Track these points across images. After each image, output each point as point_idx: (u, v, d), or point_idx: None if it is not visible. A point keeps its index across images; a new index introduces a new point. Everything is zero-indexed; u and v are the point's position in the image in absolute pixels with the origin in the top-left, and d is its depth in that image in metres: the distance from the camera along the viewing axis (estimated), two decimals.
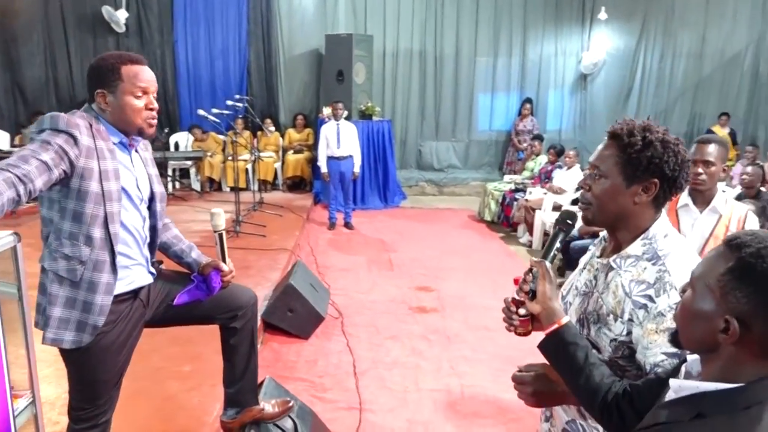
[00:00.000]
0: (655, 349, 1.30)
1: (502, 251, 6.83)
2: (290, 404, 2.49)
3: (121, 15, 8.87)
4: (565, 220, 1.59)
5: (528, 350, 4.51)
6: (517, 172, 9.01)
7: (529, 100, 9.73)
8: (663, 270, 1.35)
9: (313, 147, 9.31)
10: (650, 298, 1.34)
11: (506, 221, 7.66)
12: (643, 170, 1.38)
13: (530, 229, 7.04)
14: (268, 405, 2.39)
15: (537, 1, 9.92)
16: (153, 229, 2.04)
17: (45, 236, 1.85)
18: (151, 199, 2.02)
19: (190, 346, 3.66)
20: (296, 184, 9.42)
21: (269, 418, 2.37)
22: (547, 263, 1.49)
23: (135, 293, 1.99)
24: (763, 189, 5.33)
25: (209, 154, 8.84)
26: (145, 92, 1.89)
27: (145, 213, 2.00)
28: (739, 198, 4.98)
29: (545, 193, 7.07)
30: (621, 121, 1.46)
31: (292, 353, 4.08)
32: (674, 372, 1.17)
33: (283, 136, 9.51)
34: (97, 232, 1.80)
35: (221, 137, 8.86)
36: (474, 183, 10.06)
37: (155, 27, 9.34)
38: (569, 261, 5.49)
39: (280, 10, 9.41)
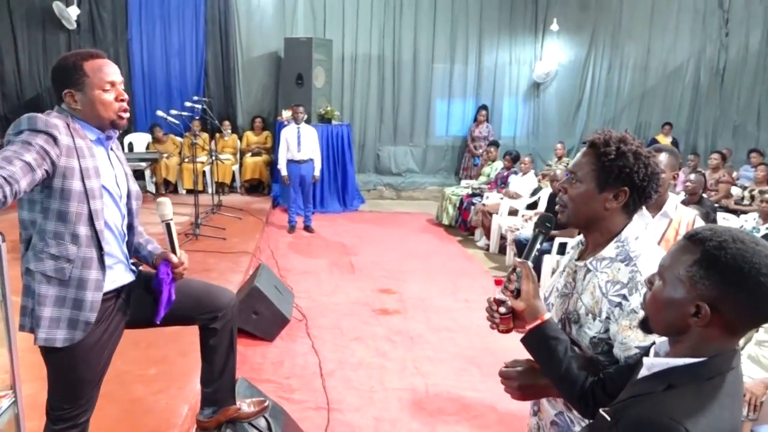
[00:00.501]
0: (629, 343, 1.42)
1: (461, 254, 6.99)
2: (266, 404, 2.52)
3: (73, 12, 8.61)
4: (543, 223, 1.69)
5: (487, 350, 4.68)
6: (473, 177, 9.21)
7: (484, 107, 9.97)
8: (635, 270, 1.47)
9: (272, 150, 9.28)
10: (624, 297, 1.46)
11: (464, 225, 7.84)
12: (615, 178, 1.50)
13: (487, 232, 7.23)
14: (244, 404, 2.42)
15: (492, 10, 10.18)
16: (130, 227, 2.05)
17: (26, 239, 1.83)
18: (128, 196, 2.03)
19: (153, 350, 3.63)
20: (254, 187, 9.35)
21: (245, 418, 2.40)
22: (530, 264, 1.60)
23: (118, 292, 1.99)
24: (704, 195, 5.65)
25: (165, 155, 8.68)
26: (113, 84, 1.90)
27: (124, 210, 2.01)
28: (684, 204, 5.27)
29: (501, 198, 7.28)
30: (598, 132, 1.58)
31: (258, 355, 4.09)
32: (643, 355, 1.29)
33: (240, 138, 9.44)
34: (83, 230, 1.81)
35: (179, 139, 8.72)
36: (431, 188, 10.23)
37: (108, 24, 9.10)
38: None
39: (238, 11, 9.34)
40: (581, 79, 10.57)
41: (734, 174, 8.32)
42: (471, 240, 7.62)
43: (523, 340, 1.58)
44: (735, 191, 7.61)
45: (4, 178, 1.54)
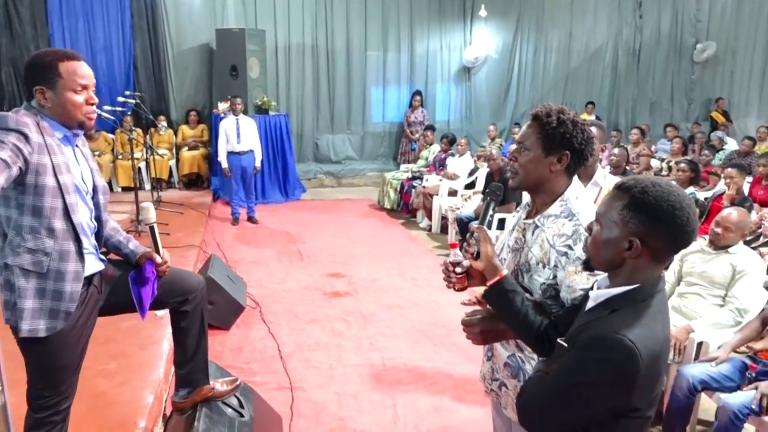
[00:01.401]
0: (575, 286, 1.65)
1: (405, 236, 7.20)
2: (238, 382, 2.62)
3: None
4: (494, 192, 1.91)
5: (437, 323, 4.91)
6: (411, 161, 9.44)
7: (419, 93, 10.19)
8: (578, 224, 1.70)
9: (209, 143, 9.17)
10: (569, 247, 1.69)
11: (405, 208, 8.05)
12: (557, 143, 1.72)
13: (429, 213, 7.47)
14: (218, 384, 2.51)
15: None
16: (98, 220, 2.11)
17: (1, 233, 1.86)
18: (95, 191, 2.08)
19: (110, 345, 3.63)
20: (192, 182, 9.22)
21: (220, 396, 2.49)
22: (485, 228, 1.80)
23: (89, 280, 2.04)
24: (627, 168, 6.08)
25: (97, 153, 8.43)
26: (85, 88, 1.95)
27: (91, 205, 2.06)
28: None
29: (441, 180, 7.53)
30: (539, 106, 1.80)
31: (216, 344, 4.14)
32: (587, 292, 1.52)
33: (175, 133, 9.27)
34: (58, 224, 1.86)
35: (110, 136, 8.48)
36: (371, 174, 10.39)
37: (27, 20, 8.69)
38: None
39: (165, 3, 9.10)
40: (509, 63, 10.97)
41: (653, 147, 8.91)
42: (413, 222, 7.84)
43: (484, 295, 1.77)
44: (654, 163, 8.17)
45: None
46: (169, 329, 3.91)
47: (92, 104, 1.97)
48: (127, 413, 3.01)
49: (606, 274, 1.44)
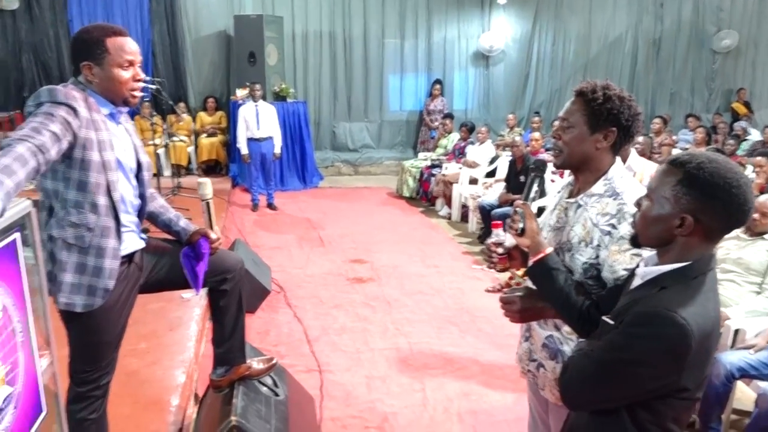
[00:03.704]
0: (617, 267, 1.61)
1: (424, 224, 7.18)
2: (274, 361, 2.61)
3: None
4: (538, 168, 1.89)
5: (462, 310, 4.90)
6: (430, 150, 9.39)
7: (439, 81, 10.12)
8: (622, 203, 1.66)
9: (227, 130, 9.17)
10: (613, 226, 1.64)
11: (425, 196, 8.03)
12: (604, 120, 1.68)
13: (448, 202, 7.43)
14: (254, 362, 2.50)
15: None
16: (142, 197, 2.10)
17: (47, 207, 1.87)
18: (138, 168, 2.07)
19: (140, 326, 3.64)
20: (211, 168, 9.23)
21: (256, 375, 2.49)
22: (529, 204, 1.77)
23: (130, 257, 2.04)
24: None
25: None
26: (132, 64, 1.94)
27: (134, 182, 2.05)
28: None
29: (461, 168, 7.48)
30: (584, 82, 1.76)
31: None
32: (634, 270, 1.49)
33: (194, 119, 9.28)
34: (102, 200, 1.86)
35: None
36: (388, 162, 10.34)
37: (46, 6, 8.73)
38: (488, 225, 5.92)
39: None
40: (528, 51, 10.85)
41: (674, 137, 8.81)
42: (433, 210, 7.81)
43: (528, 272, 1.75)
44: (675, 153, 8.07)
45: (37, 147, 1.58)
46: (197, 311, 3.96)
47: (139, 80, 1.96)
48: (160, 392, 3.03)
49: (654, 251, 1.40)
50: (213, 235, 2.22)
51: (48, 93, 1.77)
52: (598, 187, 1.72)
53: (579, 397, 1.39)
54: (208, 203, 2.19)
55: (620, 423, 1.32)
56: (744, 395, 3.08)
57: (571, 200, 1.78)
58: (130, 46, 1.93)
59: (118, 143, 1.96)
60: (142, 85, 1.99)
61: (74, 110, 1.77)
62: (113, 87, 1.91)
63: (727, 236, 3.40)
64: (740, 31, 11.20)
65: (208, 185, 2.17)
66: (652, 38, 11.17)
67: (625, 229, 1.62)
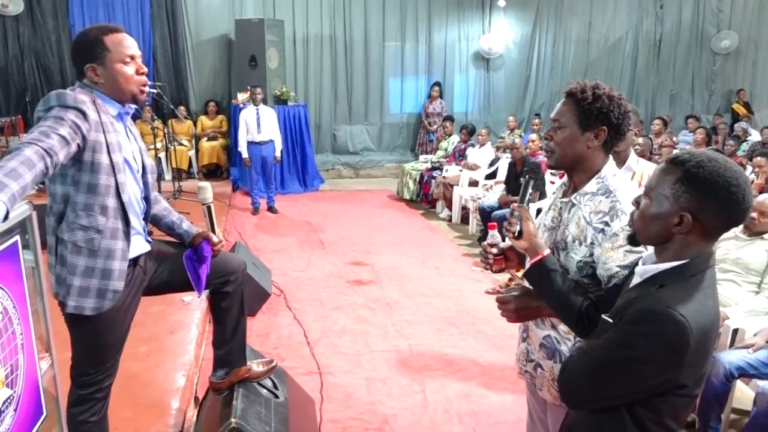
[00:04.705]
0: (610, 264, 1.63)
1: (425, 226, 7.19)
2: (274, 364, 2.62)
3: None
4: (532, 170, 1.92)
5: (463, 311, 4.91)
6: (429, 152, 9.41)
7: (437, 84, 10.15)
8: (615, 200, 1.68)
9: (228, 134, 9.20)
10: (606, 224, 1.67)
11: (425, 198, 8.04)
12: (594, 119, 1.69)
13: (449, 204, 7.44)
14: (254, 365, 2.51)
15: None
16: (147, 200, 2.11)
17: (57, 211, 1.89)
18: (143, 170, 2.09)
19: (141, 329, 3.63)
20: (212, 172, 9.26)
21: (256, 377, 2.50)
22: (525, 206, 1.78)
23: (135, 261, 2.06)
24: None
25: None
26: (133, 58, 1.96)
27: (141, 184, 2.07)
28: None
29: (461, 170, 7.49)
30: (573, 83, 1.77)
31: None
32: (630, 272, 1.50)
33: (195, 123, 9.30)
34: (111, 202, 1.88)
35: None
36: (388, 165, 10.36)
37: (48, 11, 8.78)
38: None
39: None
40: (528, 54, 10.87)
41: (674, 138, 8.81)
42: (433, 212, 7.82)
43: (525, 274, 1.75)
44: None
45: (45, 151, 1.59)
46: (197, 314, 3.97)
47: (142, 74, 1.97)
48: (160, 394, 3.04)
49: (651, 250, 1.41)
50: (215, 238, 2.24)
51: (57, 97, 1.79)
52: (591, 185, 1.74)
53: (578, 395, 1.40)
54: (209, 207, 2.20)
55: (619, 420, 1.33)
56: (743, 394, 3.09)
57: (565, 199, 1.80)
58: (128, 41, 1.96)
59: (126, 145, 1.98)
60: (146, 79, 2.00)
61: (83, 114, 1.79)
62: (119, 84, 1.93)
63: (725, 236, 3.43)
64: (740, 33, 11.22)
65: (208, 190, 2.18)
66: (652, 40, 11.18)
67: (618, 226, 1.64)
